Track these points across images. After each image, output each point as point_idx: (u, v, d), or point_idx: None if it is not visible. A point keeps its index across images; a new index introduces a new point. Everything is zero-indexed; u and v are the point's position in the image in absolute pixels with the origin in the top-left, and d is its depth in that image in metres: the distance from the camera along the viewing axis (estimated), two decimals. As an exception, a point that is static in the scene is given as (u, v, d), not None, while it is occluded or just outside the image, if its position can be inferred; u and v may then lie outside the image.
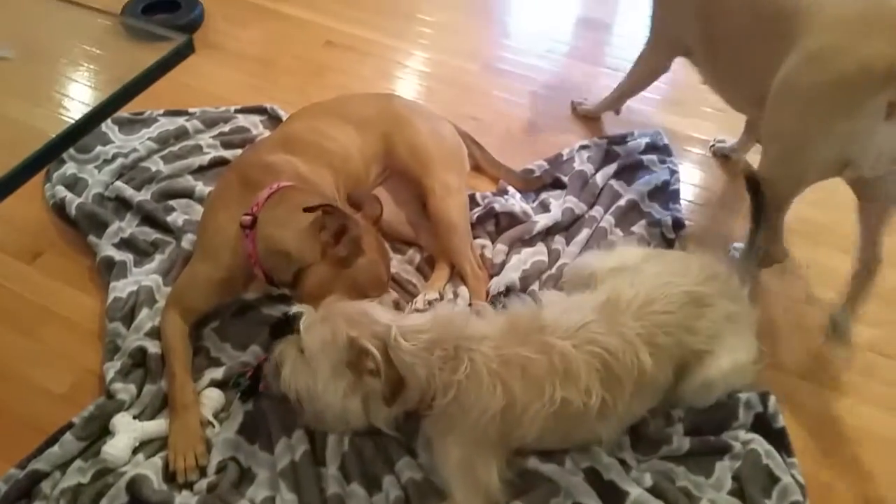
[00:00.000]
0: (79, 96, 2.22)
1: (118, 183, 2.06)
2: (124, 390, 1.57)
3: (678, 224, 2.05)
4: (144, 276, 1.82)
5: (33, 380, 1.66)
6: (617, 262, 1.58)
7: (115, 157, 2.15)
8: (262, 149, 1.83)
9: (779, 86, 1.53)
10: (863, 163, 1.46)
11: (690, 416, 1.58)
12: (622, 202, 2.09)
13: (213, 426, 1.54)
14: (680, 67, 2.08)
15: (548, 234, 2.02)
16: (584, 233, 2.00)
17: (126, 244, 1.91)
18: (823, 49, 1.44)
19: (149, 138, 2.22)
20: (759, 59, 1.61)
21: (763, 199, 1.62)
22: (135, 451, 1.50)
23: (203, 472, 1.48)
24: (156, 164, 2.14)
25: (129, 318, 1.74)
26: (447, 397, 1.31)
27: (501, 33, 2.94)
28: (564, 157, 2.25)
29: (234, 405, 1.57)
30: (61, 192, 2.01)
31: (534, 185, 2.17)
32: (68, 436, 1.50)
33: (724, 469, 1.50)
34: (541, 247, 1.97)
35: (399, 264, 1.91)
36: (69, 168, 2.11)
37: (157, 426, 1.53)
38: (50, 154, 1.43)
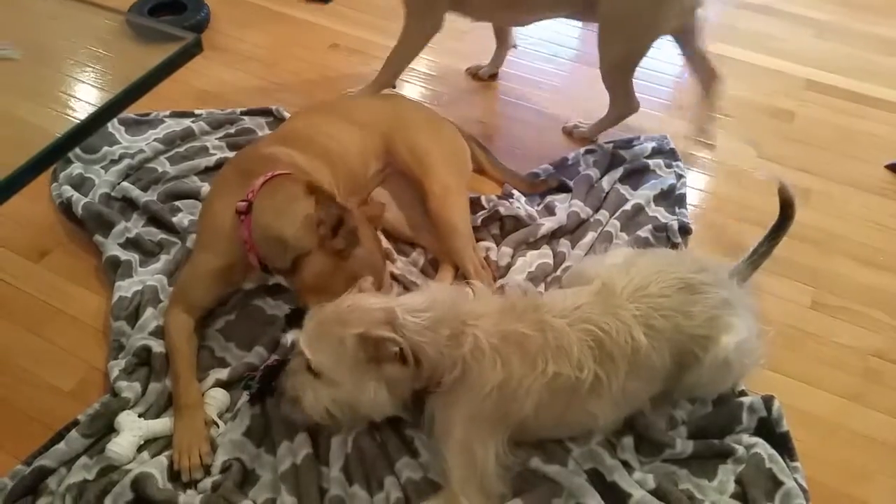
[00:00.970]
0: (85, 96, 2.24)
1: (125, 183, 2.07)
2: (129, 388, 1.58)
3: (684, 229, 2.05)
4: (149, 276, 1.83)
5: (40, 377, 1.66)
6: (613, 261, 1.60)
7: (121, 157, 2.16)
8: (260, 143, 1.85)
9: None
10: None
11: (694, 419, 1.59)
12: (628, 206, 2.09)
13: (218, 426, 1.55)
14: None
15: (553, 237, 2.02)
16: (590, 236, 2.00)
17: (132, 244, 1.92)
18: None
19: (155, 139, 2.23)
20: None
21: (789, 221, 1.67)
22: (139, 450, 1.50)
23: (207, 472, 1.48)
24: (162, 165, 2.15)
25: (133, 317, 1.74)
26: (454, 373, 1.33)
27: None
28: (570, 161, 2.26)
29: (242, 407, 1.58)
30: (68, 191, 2.02)
31: (539, 188, 2.17)
32: (74, 433, 1.50)
33: (727, 472, 1.50)
34: (546, 250, 1.98)
35: (404, 266, 1.91)
36: (76, 168, 2.11)
37: (161, 424, 1.54)
38: (56, 153, 1.44)
